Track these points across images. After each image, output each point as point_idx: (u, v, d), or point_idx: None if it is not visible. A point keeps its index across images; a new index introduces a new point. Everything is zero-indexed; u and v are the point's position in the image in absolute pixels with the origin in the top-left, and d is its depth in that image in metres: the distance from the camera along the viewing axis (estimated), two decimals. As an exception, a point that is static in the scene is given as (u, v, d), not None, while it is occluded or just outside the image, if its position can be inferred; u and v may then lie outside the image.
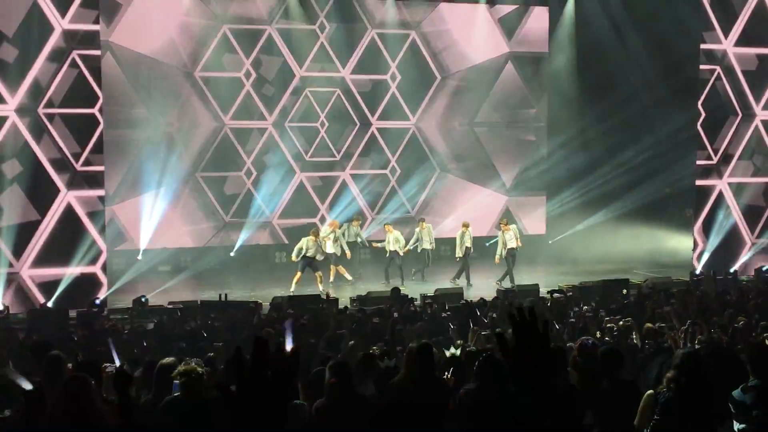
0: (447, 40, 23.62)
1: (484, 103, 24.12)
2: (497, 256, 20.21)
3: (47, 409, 5.69)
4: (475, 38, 23.81)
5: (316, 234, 19.62)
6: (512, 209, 24.56)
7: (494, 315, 13.36)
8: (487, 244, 22.77)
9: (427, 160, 23.90)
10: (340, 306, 15.37)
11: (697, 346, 8.68)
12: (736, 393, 6.16)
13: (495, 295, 16.27)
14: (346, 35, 22.91)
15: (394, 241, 20.44)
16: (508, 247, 20.10)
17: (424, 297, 16.37)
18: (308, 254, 19.19)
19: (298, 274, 19.18)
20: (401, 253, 20.35)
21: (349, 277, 20.09)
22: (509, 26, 24.05)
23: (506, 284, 19.28)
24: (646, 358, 9.25)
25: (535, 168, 24.56)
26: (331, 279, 20.06)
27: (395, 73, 23.38)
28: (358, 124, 23.33)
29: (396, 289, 16.28)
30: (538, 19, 24.18)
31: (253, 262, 22.08)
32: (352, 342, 9.70)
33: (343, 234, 20.74)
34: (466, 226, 20.70)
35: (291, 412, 6.42)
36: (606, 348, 7.33)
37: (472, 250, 20.66)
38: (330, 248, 19.87)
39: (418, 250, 20.75)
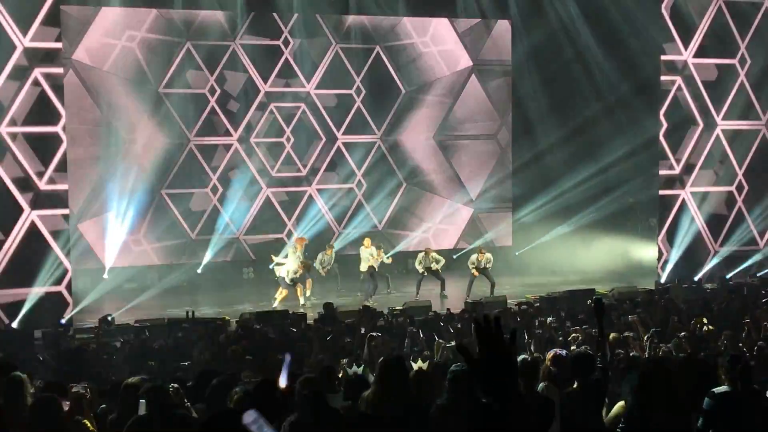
0: (411, 54, 23.73)
1: (448, 116, 24.24)
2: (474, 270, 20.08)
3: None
4: (438, 52, 23.94)
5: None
6: (478, 221, 24.67)
7: (459, 326, 13.41)
8: (455, 257, 22.84)
9: (394, 173, 23.95)
10: (309, 321, 15.33)
11: (660, 354, 8.77)
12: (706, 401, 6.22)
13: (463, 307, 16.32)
14: (310, 50, 22.94)
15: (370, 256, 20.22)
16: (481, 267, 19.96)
17: (391, 310, 16.36)
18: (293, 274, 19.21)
19: (285, 292, 19.16)
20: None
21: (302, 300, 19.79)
22: (472, 40, 24.21)
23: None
24: (617, 371, 9.30)
25: (500, 180, 24.70)
26: (308, 293, 19.96)
27: (360, 88, 23.43)
28: (324, 138, 23.35)
29: (366, 307, 16.26)
30: (501, 32, 24.35)
31: (220, 278, 21.96)
32: (321, 356, 9.72)
33: (321, 262, 20.72)
34: (426, 252, 20.44)
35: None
36: (578, 352, 7.40)
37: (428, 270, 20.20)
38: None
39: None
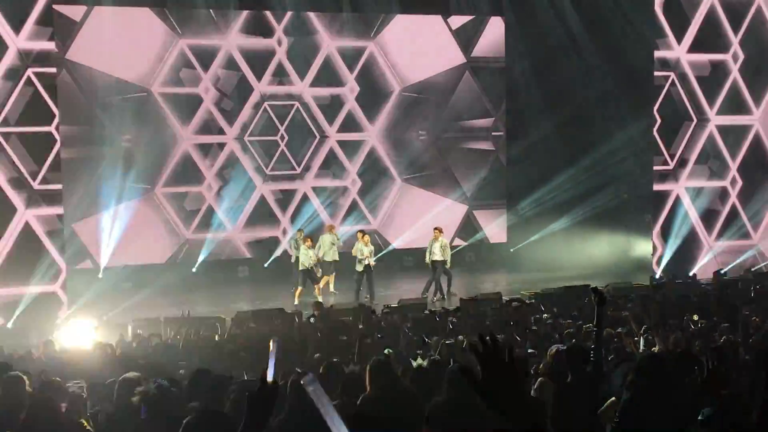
0: (404, 52, 23.71)
1: (442, 113, 24.24)
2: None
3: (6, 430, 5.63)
4: (432, 49, 23.94)
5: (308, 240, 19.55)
6: (473, 218, 24.69)
7: (455, 320, 13.43)
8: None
9: (388, 171, 23.95)
10: (304, 319, 15.33)
11: (654, 350, 8.79)
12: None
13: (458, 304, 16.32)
14: (303, 49, 22.93)
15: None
16: (434, 258, 19.49)
17: (385, 308, 16.37)
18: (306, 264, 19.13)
19: (299, 288, 19.19)
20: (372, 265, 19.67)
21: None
22: (466, 37, 24.21)
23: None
24: (610, 365, 9.32)
25: (494, 177, 24.72)
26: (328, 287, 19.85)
27: (353, 86, 23.43)
28: (318, 136, 23.35)
29: (362, 304, 16.25)
30: (494, 29, 24.36)
31: (216, 277, 21.94)
32: (318, 355, 9.72)
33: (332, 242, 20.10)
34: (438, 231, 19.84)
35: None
36: (571, 345, 7.42)
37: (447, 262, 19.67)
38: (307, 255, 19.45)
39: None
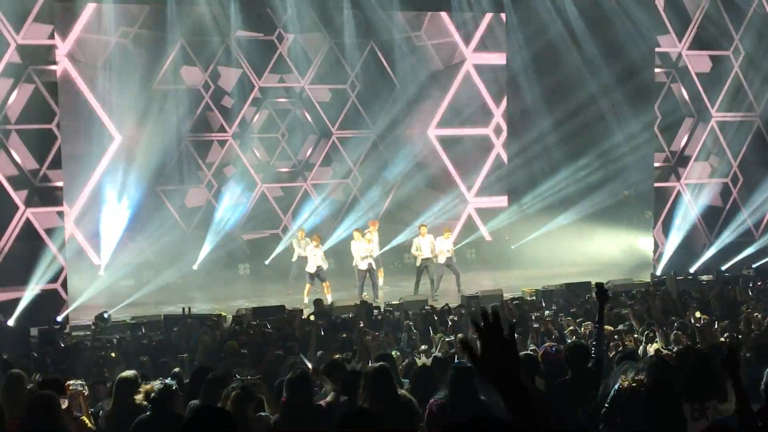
0: (405, 48, 23.67)
1: (443, 110, 24.20)
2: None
3: (7, 427, 5.63)
4: (433, 46, 23.92)
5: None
6: (474, 215, 24.68)
7: (455, 318, 13.44)
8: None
9: (388, 168, 23.92)
10: (304, 316, 15.33)
11: (655, 346, 8.79)
12: None
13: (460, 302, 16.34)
14: (304, 45, 22.90)
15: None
16: (423, 256, 19.42)
17: (386, 305, 16.39)
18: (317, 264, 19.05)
19: (308, 285, 19.13)
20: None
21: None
22: (467, 33, 24.18)
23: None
24: (611, 362, 9.33)
25: (495, 173, 24.70)
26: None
27: (354, 82, 23.41)
28: (319, 134, 23.33)
29: (363, 301, 16.24)
30: (496, 26, 24.32)
31: (216, 274, 21.93)
32: (320, 353, 9.73)
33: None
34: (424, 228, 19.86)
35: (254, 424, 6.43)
36: (572, 342, 7.43)
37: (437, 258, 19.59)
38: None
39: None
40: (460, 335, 11.20)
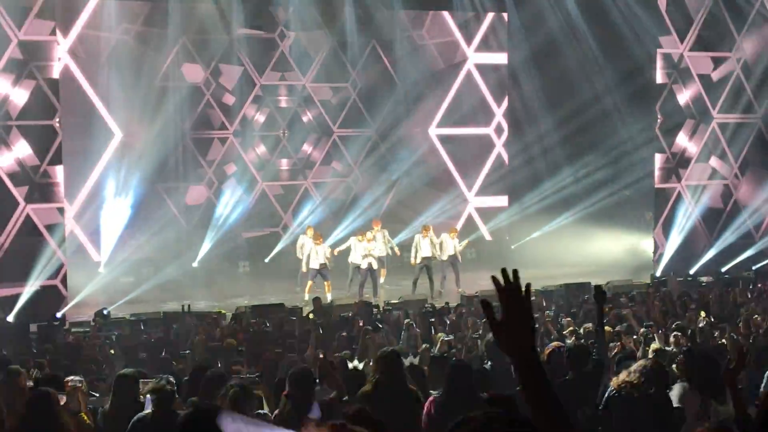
0: (407, 47, 23.67)
1: (444, 109, 24.20)
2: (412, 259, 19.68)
3: (5, 423, 5.63)
4: (434, 45, 23.92)
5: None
6: (474, 214, 24.68)
7: (453, 317, 13.46)
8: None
9: (389, 166, 23.92)
10: (304, 314, 15.34)
11: (654, 347, 8.80)
12: None
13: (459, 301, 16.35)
14: (306, 43, 22.89)
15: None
16: (422, 255, 19.42)
17: (386, 304, 16.40)
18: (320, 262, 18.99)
19: (309, 282, 19.08)
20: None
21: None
22: (468, 32, 24.18)
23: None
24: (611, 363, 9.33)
25: (496, 173, 24.70)
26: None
27: (356, 81, 23.40)
28: (320, 132, 23.33)
29: (363, 300, 16.25)
30: (497, 24, 24.32)
31: (216, 272, 21.92)
32: (318, 351, 9.72)
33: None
34: (426, 229, 19.88)
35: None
36: (574, 344, 7.45)
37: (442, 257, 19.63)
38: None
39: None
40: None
